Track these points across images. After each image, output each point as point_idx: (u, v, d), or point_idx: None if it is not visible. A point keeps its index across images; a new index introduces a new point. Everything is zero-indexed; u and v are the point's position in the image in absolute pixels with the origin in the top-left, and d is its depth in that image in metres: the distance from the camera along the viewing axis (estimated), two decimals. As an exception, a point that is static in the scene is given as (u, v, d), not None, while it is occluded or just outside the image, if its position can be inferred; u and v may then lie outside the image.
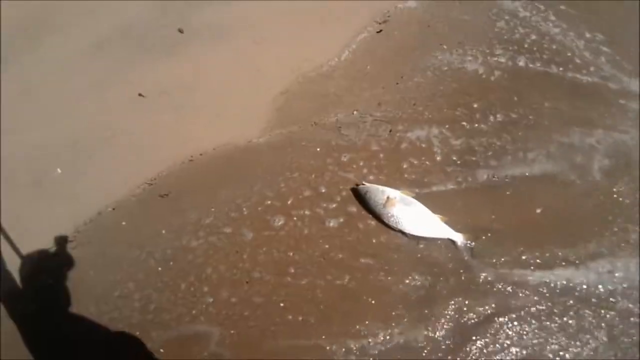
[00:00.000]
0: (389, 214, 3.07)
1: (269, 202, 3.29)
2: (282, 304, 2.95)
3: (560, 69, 3.78)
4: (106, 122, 3.75)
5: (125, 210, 3.35)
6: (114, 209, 3.37)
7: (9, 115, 3.79)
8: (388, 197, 3.07)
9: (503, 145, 3.41)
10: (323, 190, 3.29)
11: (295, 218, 3.19)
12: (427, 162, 3.36)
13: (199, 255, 3.14)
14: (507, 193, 3.23)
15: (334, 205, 3.24)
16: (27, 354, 2.93)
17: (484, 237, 3.07)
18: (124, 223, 3.30)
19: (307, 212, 3.22)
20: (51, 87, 3.97)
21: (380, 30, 3.98)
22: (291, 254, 3.09)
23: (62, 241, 3.25)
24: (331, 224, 3.17)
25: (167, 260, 3.14)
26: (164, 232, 3.23)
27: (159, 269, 3.12)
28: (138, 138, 3.64)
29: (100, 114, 3.79)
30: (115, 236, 3.25)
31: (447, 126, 3.51)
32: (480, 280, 2.96)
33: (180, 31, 3.91)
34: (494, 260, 3.01)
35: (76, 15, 4.35)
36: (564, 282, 2.94)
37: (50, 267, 3.21)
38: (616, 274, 2.96)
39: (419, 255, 3.04)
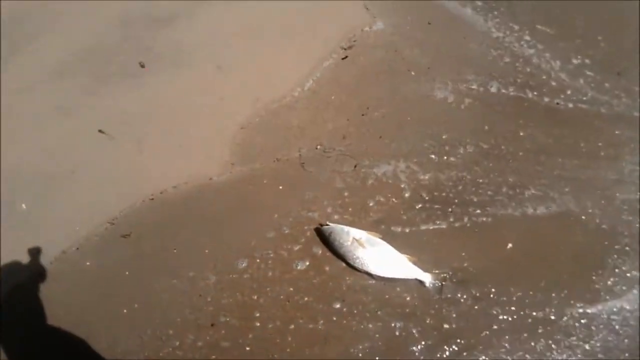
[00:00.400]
0: (354, 256, 3.22)
1: (231, 243, 3.42)
2: (248, 348, 3.10)
3: (535, 93, 3.94)
4: (69, 153, 3.94)
5: (89, 250, 3.53)
6: (77, 248, 3.53)
7: None
8: (354, 239, 3.21)
9: (474, 179, 3.57)
10: (287, 231, 3.43)
11: (258, 260, 3.34)
12: (394, 200, 3.51)
13: (163, 298, 3.28)
14: (476, 230, 3.40)
15: (298, 247, 3.38)
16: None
17: (453, 276, 3.23)
18: (88, 263, 3.47)
19: (271, 254, 3.37)
20: (12, 114, 4.17)
21: (346, 57, 4.12)
22: (255, 297, 3.23)
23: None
24: (296, 266, 3.31)
25: (131, 302, 3.28)
26: (127, 273, 3.39)
27: (124, 310, 3.27)
28: (100, 172, 3.81)
29: (63, 145, 3.97)
30: (80, 276, 3.42)
31: (415, 160, 3.66)
32: (451, 321, 3.12)
33: (142, 65, 4.05)
34: (464, 300, 3.16)
35: (37, 38, 4.55)
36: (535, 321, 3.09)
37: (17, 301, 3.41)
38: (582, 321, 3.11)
39: (387, 296, 3.19)
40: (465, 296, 3.16)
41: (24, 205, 3.65)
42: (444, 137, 3.76)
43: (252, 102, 4.00)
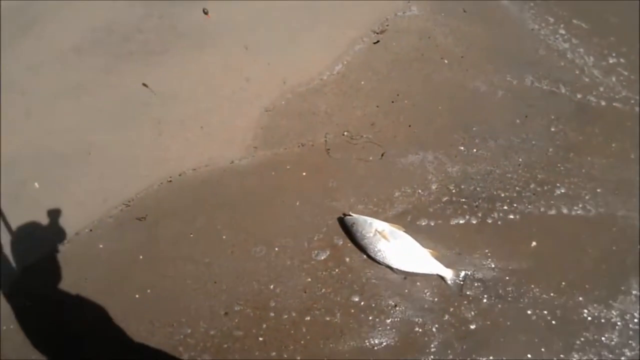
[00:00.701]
0: (376, 248, 3.18)
1: (250, 230, 3.41)
2: (261, 338, 3.09)
3: (568, 88, 3.85)
4: (85, 133, 3.93)
5: (102, 232, 3.53)
6: (91, 230, 3.53)
7: None
8: (376, 231, 3.18)
9: (502, 174, 3.50)
10: (308, 220, 3.42)
11: (277, 249, 3.33)
12: (420, 191, 3.47)
13: (177, 284, 3.28)
14: (502, 226, 3.32)
15: (319, 236, 3.36)
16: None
17: (475, 273, 3.17)
18: (101, 246, 3.47)
19: (290, 243, 3.36)
20: (29, 92, 4.15)
21: (378, 41, 4.08)
22: (272, 286, 3.22)
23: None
24: (315, 256, 3.29)
25: (144, 287, 3.30)
26: (141, 257, 3.40)
27: (137, 295, 3.28)
28: (117, 153, 3.80)
29: (79, 125, 3.96)
30: (92, 259, 3.43)
31: (443, 151, 3.61)
32: (470, 318, 3.06)
33: (205, 12, 3.95)
34: (484, 298, 3.11)
35: (58, 14, 4.51)
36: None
37: (29, 287, 3.42)
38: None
39: (406, 290, 3.16)
40: (485, 294, 3.11)
41: (36, 184, 3.70)
42: (474, 129, 3.69)
43: (279, 84, 3.99)
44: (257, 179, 3.59)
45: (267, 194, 3.53)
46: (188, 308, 3.20)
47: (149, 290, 3.28)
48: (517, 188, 3.45)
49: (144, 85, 3.86)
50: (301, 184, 3.55)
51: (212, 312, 3.17)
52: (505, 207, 3.37)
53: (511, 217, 3.34)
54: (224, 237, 3.40)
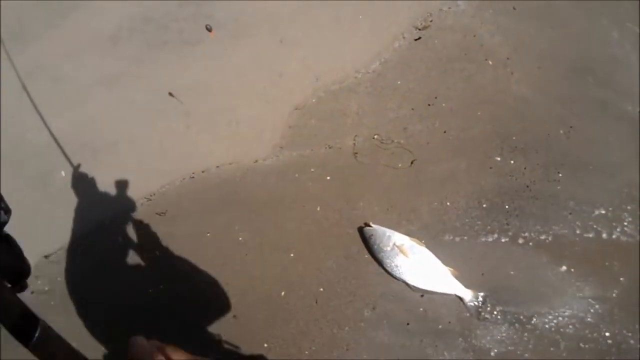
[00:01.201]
0: (394, 263, 3.17)
1: (267, 233, 3.48)
2: (265, 345, 3.17)
3: (618, 99, 3.63)
4: (113, 124, 4.04)
5: (122, 225, 3.65)
6: (111, 222, 3.68)
7: (14, 106, 4.13)
8: (394, 245, 3.17)
9: (540, 190, 3.39)
10: (327, 227, 3.46)
11: (292, 255, 3.40)
12: (449, 204, 3.43)
13: (190, 282, 3.39)
14: (531, 247, 3.22)
15: (337, 245, 3.39)
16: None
17: (496, 295, 3.11)
18: (120, 239, 3.61)
19: (306, 249, 3.40)
20: (60, 80, 4.29)
21: (419, 38, 3.99)
22: (283, 293, 3.29)
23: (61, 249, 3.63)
24: (331, 266, 3.33)
25: (158, 283, 3.44)
26: (157, 253, 3.52)
27: (150, 290, 3.42)
28: (143, 146, 3.91)
29: (109, 116, 4.09)
30: (109, 253, 3.57)
31: (477, 161, 3.53)
32: (484, 344, 3.03)
33: (209, 29, 3.96)
34: (502, 322, 3.06)
35: (96, 1, 4.56)
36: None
37: (46, 273, 3.57)
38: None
39: (421, 309, 3.15)
40: (504, 319, 3.07)
41: (63, 173, 3.84)
42: (513, 138, 3.57)
43: (312, 81, 3.99)
44: (279, 180, 3.64)
45: (288, 197, 3.57)
46: (197, 308, 3.29)
47: (161, 286, 3.40)
48: (552, 206, 3.32)
49: (170, 94, 3.97)
50: (324, 189, 3.57)
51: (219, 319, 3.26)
52: (539, 227, 3.27)
53: (543, 237, 3.24)
54: (240, 238, 3.49)
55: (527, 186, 3.39)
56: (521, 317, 3.04)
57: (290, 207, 3.52)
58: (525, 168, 3.44)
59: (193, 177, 3.72)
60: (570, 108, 3.60)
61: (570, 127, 3.53)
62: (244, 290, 3.29)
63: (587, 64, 3.76)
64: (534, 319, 3.03)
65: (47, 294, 3.47)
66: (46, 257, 3.59)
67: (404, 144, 3.62)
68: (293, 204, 3.53)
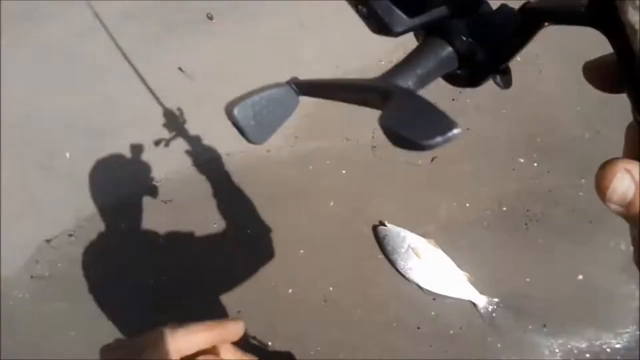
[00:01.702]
0: (407, 266, 3.15)
1: (277, 227, 3.42)
2: (270, 342, 3.11)
3: None
4: (122, 107, 4.00)
5: (126, 211, 3.61)
6: (116, 207, 3.64)
7: (20, 86, 4.09)
8: (409, 246, 3.16)
9: (564, 196, 3.31)
10: (339, 223, 3.42)
11: (302, 251, 3.35)
12: (468, 205, 3.38)
13: (193, 274, 3.33)
14: (552, 253, 3.17)
15: (349, 243, 3.33)
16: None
17: (509, 302, 3.05)
18: (123, 225, 3.59)
19: (317, 246, 3.35)
20: (73, 60, 4.24)
21: None
22: (290, 290, 3.26)
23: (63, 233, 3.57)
24: (341, 265, 3.27)
25: (161, 273, 3.38)
26: (161, 241, 3.48)
27: (151, 281, 3.37)
28: (151, 129, 3.80)
29: (118, 97, 4.04)
30: (111, 240, 3.52)
31: (501, 162, 3.49)
32: (493, 351, 2.98)
33: (210, 17, 3.85)
34: (513, 330, 3.00)
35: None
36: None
37: (47, 258, 3.51)
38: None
39: (432, 313, 3.10)
40: (517, 327, 3.00)
41: (67, 154, 3.83)
42: (538, 140, 3.52)
43: (331, 68, 3.93)
44: (292, 171, 3.61)
45: (300, 190, 3.53)
46: (198, 302, 3.22)
47: (164, 277, 3.37)
48: (574, 211, 3.27)
49: (180, 70, 3.85)
50: (339, 183, 3.53)
51: (222, 311, 3.21)
52: (558, 234, 3.21)
53: (562, 245, 3.18)
54: (248, 231, 3.46)
55: (550, 191, 3.34)
56: (535, 326, 2.98)
57: (303, 200, 3.49)
58: (548, 172, 3.39)
59: (202, 165, 3.69)
60: (598, 112, 3.52)
61: (597, 132, 3.48)
62: (250, 285, 3.24)
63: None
64: (548, 329, 2.97)
65: (46, 280, 3.45)
66: (48, 241, 3.55)
67: None
68: (306, 197, 3.50)
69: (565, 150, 3.44)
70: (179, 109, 3.84)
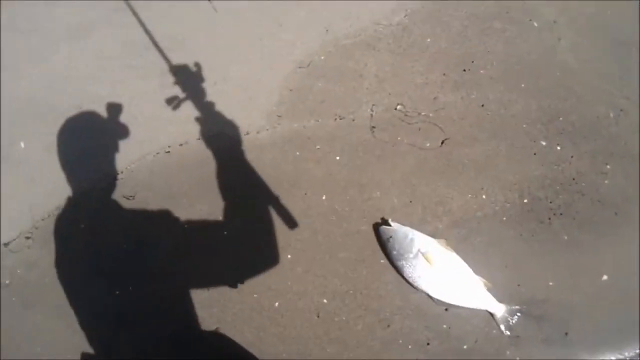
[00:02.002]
0: (416, 273, 2.71)
1: (258, 228, 2.97)
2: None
3: None
4: (80, 84, 3.48)
5: (85, 209, 3.14)
6: (74, 206, 3.16)
7: None
8: (419, 251, 2.70)
9: (591, 183, 2.92)
10: (334, 222, 2.96)
11: (289, 255, 2.89)
12: (484, 196, 2.95)
13: (160, 287, 2.88)
14: (576, 251, 2.79)
15: (345, 244, 2.89)
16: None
17: (531, 309, 2.68)
18: (82, 226, 3.10)
19: (307, 249, 2.90)
20: (25, 34, 3.70)
21: None
22: (277, 304, 2.79)
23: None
24: (336, 270, 2.84)
25: (127, 284, 2.92)
26: (124, 246, 3.00)
27: (117, 292, 2.91)
28: (111, 111, 3.36)
29: (74, 73, 3.53)
30: (68, 242, 3.06)
31: (520, 145, 3.06)
32: None
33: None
34: (534, 340, 2.65)
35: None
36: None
37: (6, 264, 3.09)
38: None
39: (444, 326, 2.71)
40: (540, 339, 2.64)
41: (22, 144, 3.35)
42: (560, 119, 3.11)
43: (320, 33, 3.46)
44: (276, 159, 3.15)
45: (286, 181, 3.08)
46: (169, 319, 2.82)
47: (130, 288, 2.90)
48: (599, 202, 2.89)
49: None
50: (332, 172, 3.08)
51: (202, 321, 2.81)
52: (584, 227, 2.83)
53: (588, 240, 2.80)
54: (225, 232, 2.99)
55: (574, 179, 2.97)
56: (560, 336, 2.63)
57: (289, 194, 3.04)
58: (572, 157, 3.02)
59: (169, 152, 3.21)
60: (620, 88, 3.19)
61: (621, 110, 3.13)
62: (229, 299, 2.83)
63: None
64: (575, 338, 2.63)
65: (7, 288, 3.02)
66: (6, 244, 3.12)
67: (434, 118, 3.15)
68: (292, 190, 3.05)
69: (589, 132, 3.05)
70: (141, 86, 3.38)
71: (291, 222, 2.94)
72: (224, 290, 2.84)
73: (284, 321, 2.78)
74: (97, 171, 3.21)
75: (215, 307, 2.81)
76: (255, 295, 2.82)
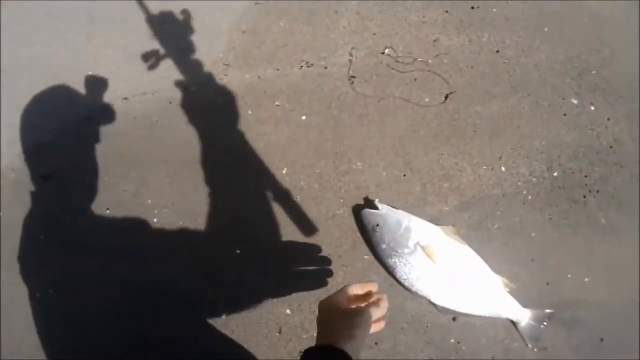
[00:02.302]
0: (414, 275, 2.05)
1: (199, 212, 2.35)
2: None
3: None
4: None
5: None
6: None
7: None
8: (417, 244, 2.06)
9: (626, 153, 2.34)
10: (298, 201, 2.32)
11: (238, 251, 2.27)
12: (503, 169, 2.29)
13: (80, 290, 2.39)
14: (615, 236, 2.22)
15: (316, 235, 2.26)
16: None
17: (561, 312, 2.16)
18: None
19: (262, 240, 2.28)
20: None
21: None
22: (224, 316, 2.19)
23: None
24: (302, 271, 2.26)
25: (47, 286, 2.41)
26: (42, 238, 2.48)
27: (37, 295, 2.45)
28: (30, 71, 2.77)
29: None
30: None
31: (546, 103, 2.42)
32: None
33: None
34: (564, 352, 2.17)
35: None
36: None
37: None
38: None
39: (452, 340, 2.14)
40: (565, 344, 2.11)
41: None
42: (593, 72, 2.49)
43: None
44: (221, 120, 2.51)
45: (235, 148, 2.46)
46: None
47: (50, 291, 2.39)
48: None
49: None
50: (296, 137, 2.45)
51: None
52: (624, 207, 2.25)
53: (628, 223, 2.23)
54: (155, 219, 2.39)
55: (611, 147, 2.35)
56: (594, 343, 2.11)
57: (238, 166, 2.43)
58: (608, 119, 2.39)
59: (89, 117, 2.61)
60: None
61: None
62: (170, 311, 2.26)
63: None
64: (611, 344, 2.13)
65: None
66: None
67: (434, 65, 2.51)
68: (243, 160, 2.43)
69: (626, 91, 2.44)
70: (62, 35, 2.78)
71: (239, 206, 2.33)
72: (149, 297, 2.25)
73: (234, 336, 2.19)
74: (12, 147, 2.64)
75: (140, 316, 2.25)
76: (191, 302, 2.21)
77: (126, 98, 2.65)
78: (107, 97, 2.67)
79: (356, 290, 1.57)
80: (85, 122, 2.64)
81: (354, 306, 1.53)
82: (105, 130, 2.62)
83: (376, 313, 1.50)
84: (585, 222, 2.26)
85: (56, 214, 2.54)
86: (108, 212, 2.46)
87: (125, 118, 2.63)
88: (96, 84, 2.70)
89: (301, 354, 1.46)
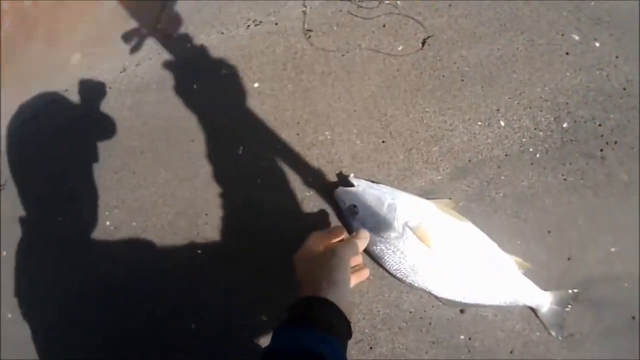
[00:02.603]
0: (407, 263, 1.67)
1: (151, 200, 2.06)
2: None
3: None
4: None
5: None
6: None
7: None
8: (406, 225, 1.67)
9: None
10: (258, 183, 1.95)
11: (199, 251, 1.92)
12: (502, 123, 1.91)
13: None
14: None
15: (277, 224, 1.92)
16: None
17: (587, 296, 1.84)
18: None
19: (214, 232, 1.95)
20: None
21: None
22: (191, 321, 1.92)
23: None
24: (269, 267, 1.87)
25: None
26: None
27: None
28: None
29: None
30: None
31: (545, 41, 2.03)
32: None
33: None
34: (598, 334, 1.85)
35: None
36: None
37: None
38: None
39: (462, 337, 1.80)
40: (594, 327, 1.79)
41: None
42: (592, 4, 2.13)
43: None
44: (163, 99, 2.12)
45: (179, 127, 2.09)
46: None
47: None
48: None
49: None
50: (249, 109, 2.05)
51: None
52: None
53: None
54: (108, 223, 2.09)
55: (624, 89, 1.95)
56: (626, 322, 1.77)
57: (184, 145, 2.05)
58: (617, 57, 1.99)
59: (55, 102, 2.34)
60: None
61: None
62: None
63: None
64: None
65: None
66: None
67: (404, 7, 2.09)
68: (190, 144, 2.05)
69: (630, 25, 2.02)
70: None
71: (188, 194, 1.98)
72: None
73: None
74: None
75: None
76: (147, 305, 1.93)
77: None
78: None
79: (325, 237, 1.55)
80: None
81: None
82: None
83: (352, 249, 1.48)
84: (605, 180, 1.87)
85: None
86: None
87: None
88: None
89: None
